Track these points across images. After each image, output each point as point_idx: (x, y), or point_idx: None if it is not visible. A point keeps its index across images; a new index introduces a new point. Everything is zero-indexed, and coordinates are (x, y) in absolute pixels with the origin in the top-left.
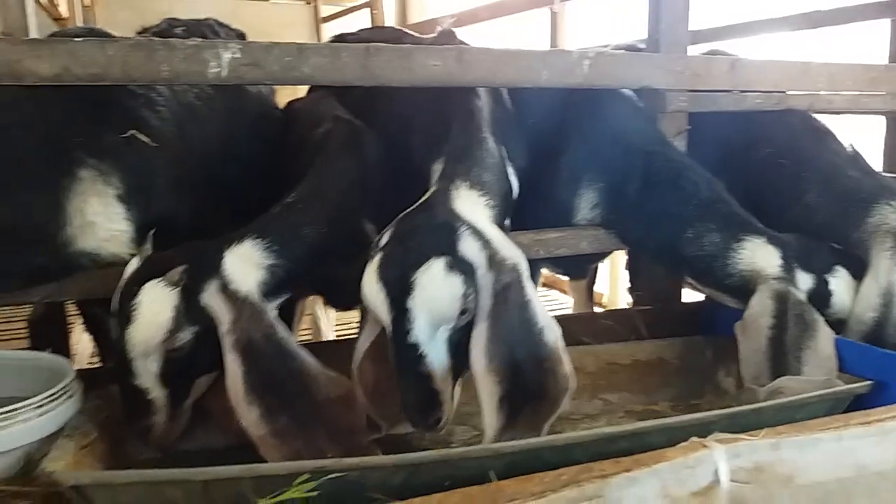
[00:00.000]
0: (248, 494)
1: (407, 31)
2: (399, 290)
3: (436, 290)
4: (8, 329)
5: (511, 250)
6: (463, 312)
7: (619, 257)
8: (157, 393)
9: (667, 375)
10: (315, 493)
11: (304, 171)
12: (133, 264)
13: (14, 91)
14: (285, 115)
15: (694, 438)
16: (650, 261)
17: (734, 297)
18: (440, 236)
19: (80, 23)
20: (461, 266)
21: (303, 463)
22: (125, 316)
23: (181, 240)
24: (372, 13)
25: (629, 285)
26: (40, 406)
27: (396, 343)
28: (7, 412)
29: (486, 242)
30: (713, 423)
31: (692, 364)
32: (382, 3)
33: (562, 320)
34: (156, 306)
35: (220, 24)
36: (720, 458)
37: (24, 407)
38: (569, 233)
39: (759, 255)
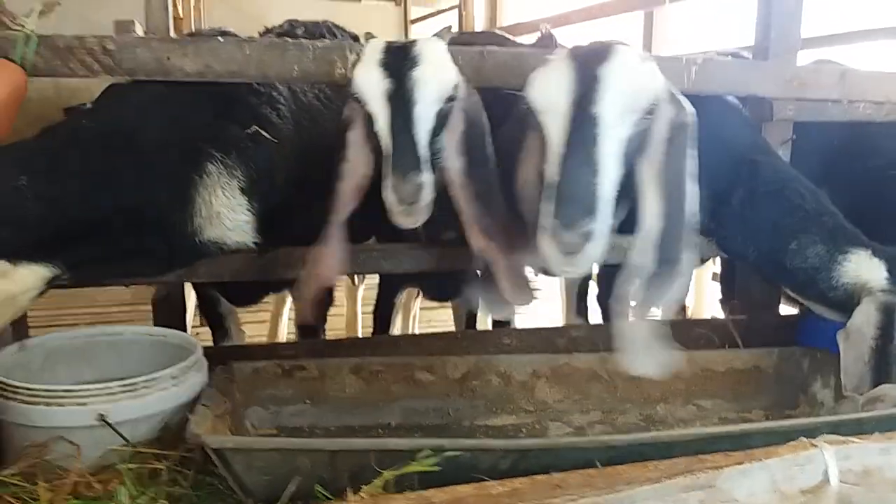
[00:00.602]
0: (369, 466)
1: (504, 34)
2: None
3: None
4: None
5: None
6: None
7: (705, 269)
8: None
9: (761, 384)
10: (436, 469)
11: None
12: None
13: (150, 89)
14: None
15: (803, 438)
16: (750, 270)
17: (836, 310)
18: None
19: (192, 22)
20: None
21: (423, 441)
22: None
23: (294, 231)
24: (461, 15)
25: (721, 296)
26: (175, 377)
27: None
28: (147, 381)
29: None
30: (816, 429)
31: (788, 374)
32: (472, 5)
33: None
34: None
35: (336, 27)
36: (830, 458)
37: (162, 377)
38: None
39: (864, 268)
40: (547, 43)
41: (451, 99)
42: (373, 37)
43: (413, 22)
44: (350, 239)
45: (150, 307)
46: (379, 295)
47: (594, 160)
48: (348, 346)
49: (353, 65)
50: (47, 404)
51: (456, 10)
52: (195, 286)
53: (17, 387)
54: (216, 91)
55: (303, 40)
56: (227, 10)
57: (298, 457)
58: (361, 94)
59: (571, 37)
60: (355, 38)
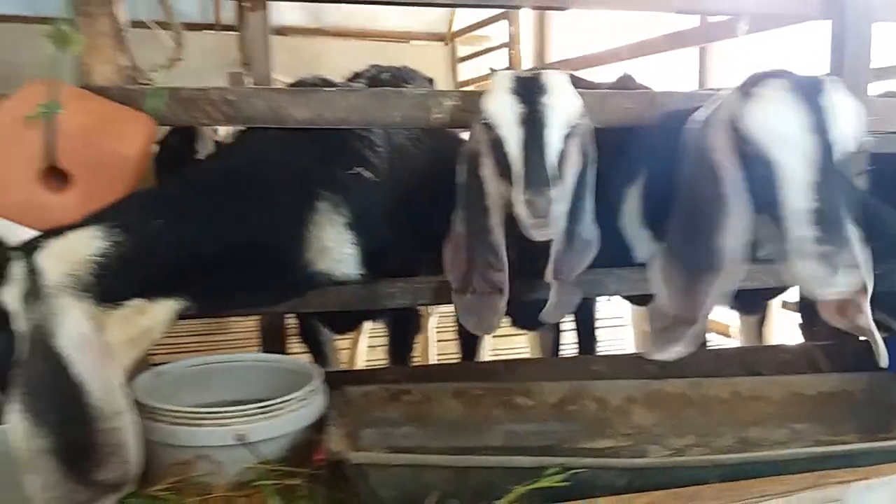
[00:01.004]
0: (492, 483)
1: (576, 75)
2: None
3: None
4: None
5: None
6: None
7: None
8: None
9: (852, 408)
10: (563, 484)
11: None
12: None
13: (268, 136)
14: None
15: None
16: None
17: None
18: None
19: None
20: None
21: (548, 459)
22: None
23: (390, 262)
24: (510, 53)
25: (801, 321)
26: (303, 399)
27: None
28: (280, 403)
29: None
30: None
31: (879, 399)
32: (520, 42)
33: (740, 352)
34: None
35: (413, 70)
36: None
37: (292, 400)
38: (756, 267)
39: None
40: (626, 83)
41: (574, 126)
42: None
43: (461, 60)
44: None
45: (220, 337)
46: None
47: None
48: (443, 371)
49: (449, 108)
50: (191, 425)
51: (502, 49)
52: (298, 315)
53: (163, 409)
54: (323, 136)
55: (403, 89)
56: (286, 55)
57: (428, 472)
58: (494, 119)
59: (616, 72)
60: (430, 81)
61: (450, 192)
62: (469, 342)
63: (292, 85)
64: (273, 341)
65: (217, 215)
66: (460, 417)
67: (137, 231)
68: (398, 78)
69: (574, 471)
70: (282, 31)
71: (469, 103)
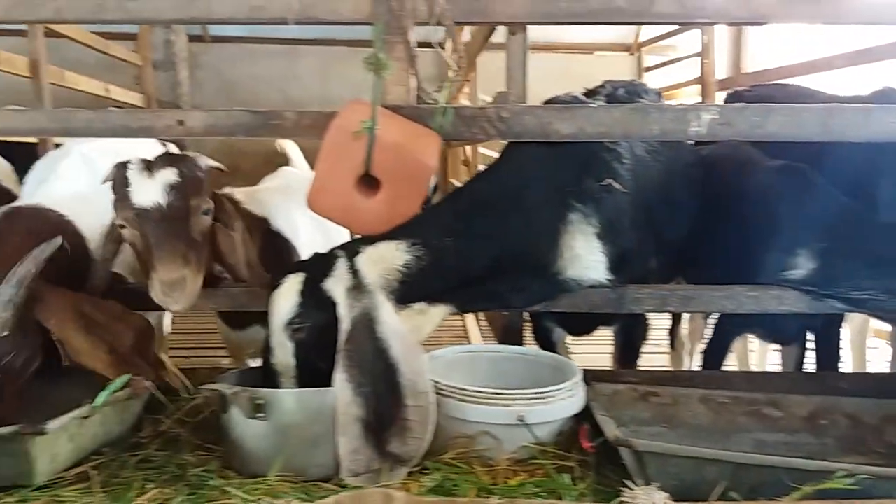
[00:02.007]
0: (767, 482)
1: (811, 88)
2: None
3: None
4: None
5: None
6: None
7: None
8: None
9: None
10: (854, 488)
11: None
12: None
13: (529, 152)
14: (702, 162)
15: None
16: None
17: None
18: None
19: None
20: None
21: (831, 464)
22: None
23: (633, 268)
24: (702, 63)
25: None
26: (570, 390)
27: None
28: (553, 391)
29: None
30: None
31: None
32: (713, 51)
33: None
34: None
35: (643, 84)
36: None
37: (563, 389)
38: None
39: None
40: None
41: None
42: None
43: (647, 70)
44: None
45: None
46: (714, 338)
47: None
48: (687, 377)
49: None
50: (478, 403)
51: (690, 58)
52: (532, 316)
53: (454, 387)
54: (576, 149)
55: (663, 103)
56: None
57: (707, 466)
58: None
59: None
60: (658, 95)
61: (685, 200)
62: (716, 353)
63: (546, 102)
64: (512, 339)
65: (490, 231)
66: (707, 422)
67: (433, 247)
68: (632, 93)
69: (860, 476)
70: None
71: (727, 117)
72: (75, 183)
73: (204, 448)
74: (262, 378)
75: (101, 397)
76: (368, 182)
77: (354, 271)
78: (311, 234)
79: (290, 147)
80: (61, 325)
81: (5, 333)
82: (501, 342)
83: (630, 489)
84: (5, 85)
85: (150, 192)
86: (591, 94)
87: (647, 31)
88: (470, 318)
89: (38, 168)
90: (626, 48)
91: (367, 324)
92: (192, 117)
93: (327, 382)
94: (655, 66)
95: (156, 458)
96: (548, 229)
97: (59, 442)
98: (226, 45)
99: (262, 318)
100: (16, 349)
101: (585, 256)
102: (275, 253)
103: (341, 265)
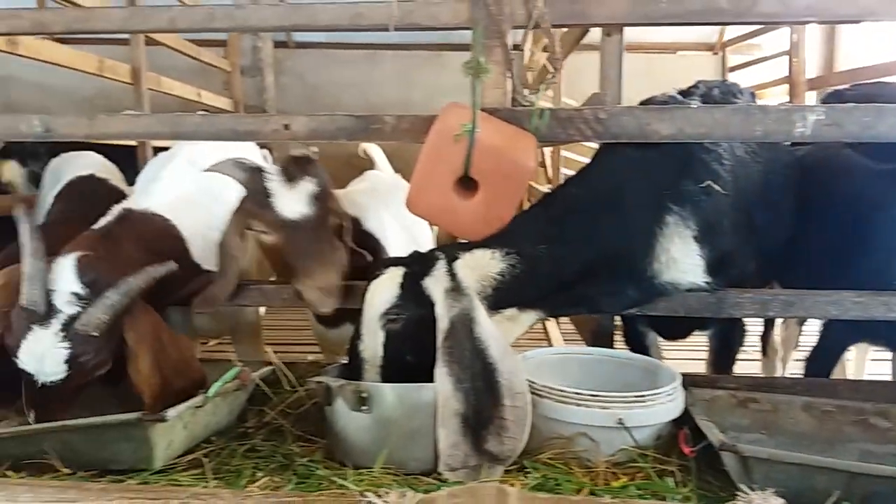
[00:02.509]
0: (881, 494)
1: None
2: None
3: None
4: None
5: None
6: None
7: None
8: None
9: None
10: None
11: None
12: None
13: (626, 154)
14: (801, 164)
15: None
16: None
17: None
18: None
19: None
20: None
21: None
22: None
23: (729, 271)
24: (791, 62)
25: None
26: (670, 395)
27: None
28: (653, 395)
29: None
30: None
31: None
32: (804, 50)
33: None
34: None
35: (735, 84)
36: None
37: (662, 393)
38: None
39: None
40: None
41: None
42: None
43: (731, 70)
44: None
45: None
46: (821, 345)
47: None
48: (787, 384)
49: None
50: (578, 404)
51: (779, 57)
52: (624, 319)
53: (552, 388)
54: (674, 150)
55: (766, 104)
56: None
57: (817, 475)
58: None
59: None
60: (752, 95)
61: (784, 202)
62: (823, 362)
63: (642, 103)
64: (603, 343)
65: (584, 236)
66: (810, 431)
67: (527, 256)
68: (726, 93)
69: None
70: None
71: (834, 118)
72: (180, 185)
73: (306, 439)
74: (344, 367)
75: (214, 388)
76: (466, 184)
77: (452, 274)
78: (397, 235)
79: (374, 151)
80: (138, 342)
81: (95, 334)
82: (591, 346)
83: (745, 493)
84: (109, 90)
85: (295, 203)
86: (684, 94)
87: (732, 30)
88: (551, 321)
89: (148, 169)
90: (710, 47)
91: (465, 324)
92: (297, 122)
93: (412, 376)
94: (740, 66)
95: (262, 448)
96: (644, 232)
97: (175, 429)
98: (308, 51)
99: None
100: (95, 351)
101: (682, 260)
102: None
103: (441, 266)
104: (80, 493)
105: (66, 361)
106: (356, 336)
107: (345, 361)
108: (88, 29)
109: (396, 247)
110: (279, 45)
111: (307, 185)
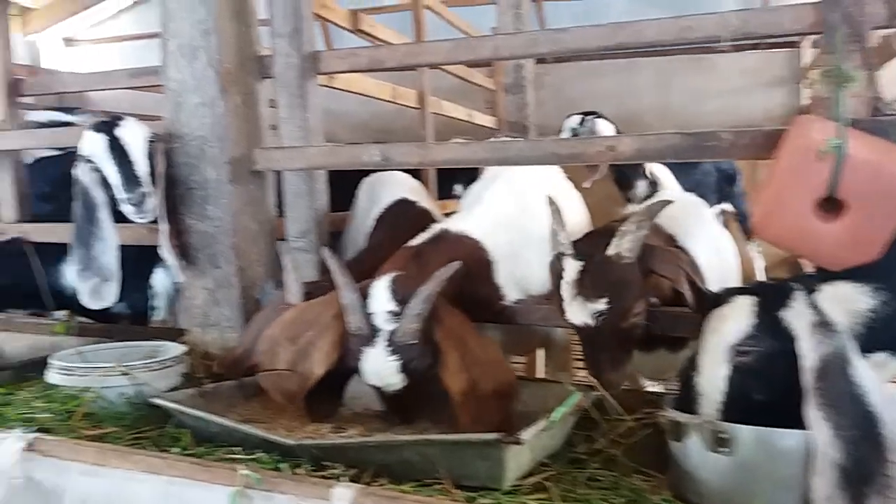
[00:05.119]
0: None
1: None
2: None
3: None
4: None
5: None
6: None
7: None
8: None
9: None
10: None
11: None
12: None
13: None
14: None
15: None
16: None
17: None
18: None
19: None
20: None
21: None
22: None
23: None
24: None
25: None
26: None
27: None
28: None
29: None
30: None
31: None
32: None
33: None
34: None
35: None
36: None
37: None
38: None
39: None
40: None
41: None
42: None
43: None
44: None
45: None
46: None
47: None
48: None
49: None
50: None
51: None
52: None
53: None
54: None
55: None
56: None
57: None
58: None
59: None
60: None
61: None
62: None
63: None
64: None
65: None
66: None
67: None
68: None
69: None
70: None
71: None
72: (499, 207)
73: (640, 471)
74: (674, 400)
75: (558, 412)
76: (828, 205)
77: (815, 307)
78: (708, 255)
79: (659, 170)
80: (444, 340)
81: (414, 342)
82: None
83: None
84: (382, 114)
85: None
86: None
87: None
88: None
89: (473, 190)
90: None
91: (839, 364)
92: (623, 143)
93: (756, 416)
94: None
95: (602, 478)
96: None
97: (523, 451)
98: (566, 65)
99: (669, 341)
100: (420, 355)
101: None
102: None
103: (800, 298)
104: None
105: (400, 371)
106: (691, 367)
107: (671, 392)
108: (418, 62)
109: (708, 267)
110: (539, 61)
111: (598, 305)
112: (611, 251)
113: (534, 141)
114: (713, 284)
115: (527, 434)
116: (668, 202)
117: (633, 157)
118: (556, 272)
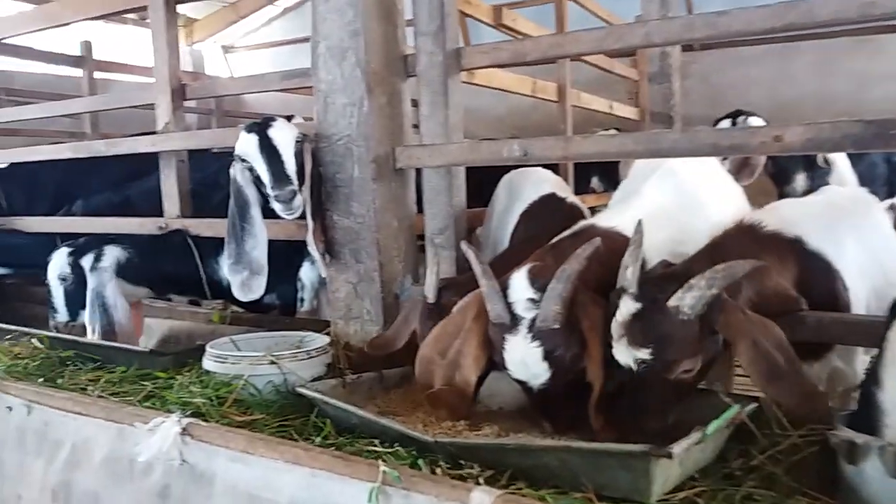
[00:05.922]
0: None
1: None
2: None
3: None
4: None
5: None
6: None
7: None
8: None
9: None
10: None
11: None
12: None
13: None
14: None
15: None
16: None
17: None
18: None
19: None
20: None
21: None
22: None
23: None
24: None
25: None
26: None
27: None
28: None
29: None
30: None
31: None
32: None
33: None
34: None
35: None
36: None
37: None
38: None
39: None
40: None
41: None
42: None
43: None
44: None
45: None
46: None
47: None
48: None
49: None
50: None
51: None
52: None
53: None
54: None
55: None
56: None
57: None
58: None
59: None
60: None
61: None
62: None
63: None
64: None
65: None
66: None
67: None
68: None
69: None
70: None
71: None
72: (656, 200)
73: (803, 492)
74: (850, 416)
75: (713, 426)
76: None
77: None
78: (858, 258)
79: (838, 159)
80: (590, 329)
81: (556, 326)
82: None
83: None
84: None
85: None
86: None
87: None
88: None
89: (625, 184)
90: None
91: None
92: (792, 132)
93: None
94: None
95: (759, 498)
96: None
97: (673, 465)
98: (713, 52)
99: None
100: (565, 343)
101: None
102: (814, 276)
103: None
104: None
105: (545, 359)
106: (871, 381)
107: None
108: (561, 53)
109: (854, 271)
110: (685, 48)
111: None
112: (672, 302)
113: (690, 131)
114: (866, 292)
115: (678, 447)
116: (761, 266)
117: (803, 147)
118: (613, 306)
